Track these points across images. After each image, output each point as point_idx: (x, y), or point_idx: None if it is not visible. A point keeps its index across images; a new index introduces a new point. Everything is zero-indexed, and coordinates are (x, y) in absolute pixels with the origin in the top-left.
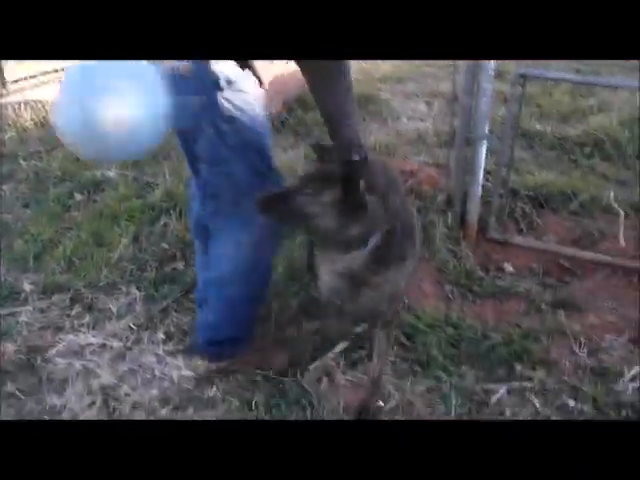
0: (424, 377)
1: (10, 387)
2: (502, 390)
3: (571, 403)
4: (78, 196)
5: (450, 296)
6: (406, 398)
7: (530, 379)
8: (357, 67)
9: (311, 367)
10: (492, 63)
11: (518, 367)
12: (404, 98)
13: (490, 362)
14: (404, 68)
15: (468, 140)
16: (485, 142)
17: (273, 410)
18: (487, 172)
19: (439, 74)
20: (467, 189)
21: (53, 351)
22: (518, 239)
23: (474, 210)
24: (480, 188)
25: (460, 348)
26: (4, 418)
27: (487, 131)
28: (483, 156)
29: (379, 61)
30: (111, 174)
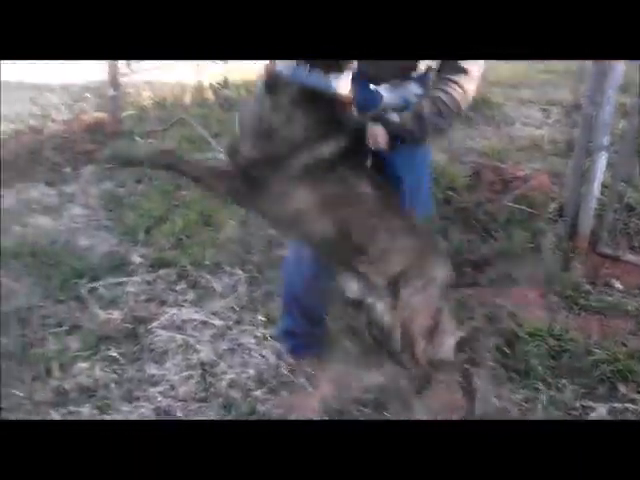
0: (522, 386)
1: (112, 352)
2: (602, 409)
3: None
4: None
5: (555, 307)
6: (502, 405)
7: (633, 401)
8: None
9: None
10: (620, 71)
11: (622, 387)
12: (518, 104)
13: (592, 379)
14: (520, 73)
15: (587, 150)
16: (605, 154)
17: None
18: (604, 185)
19: (556, 81)
20: (581, 200)
21: (156, 323)
22: (630, 256)
23: (587, 222)
24: (595, 200)
25: (561, 360)
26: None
27: (608, 142)
28: (601, 168)
29: (495, 64)
30: (222, 156)
